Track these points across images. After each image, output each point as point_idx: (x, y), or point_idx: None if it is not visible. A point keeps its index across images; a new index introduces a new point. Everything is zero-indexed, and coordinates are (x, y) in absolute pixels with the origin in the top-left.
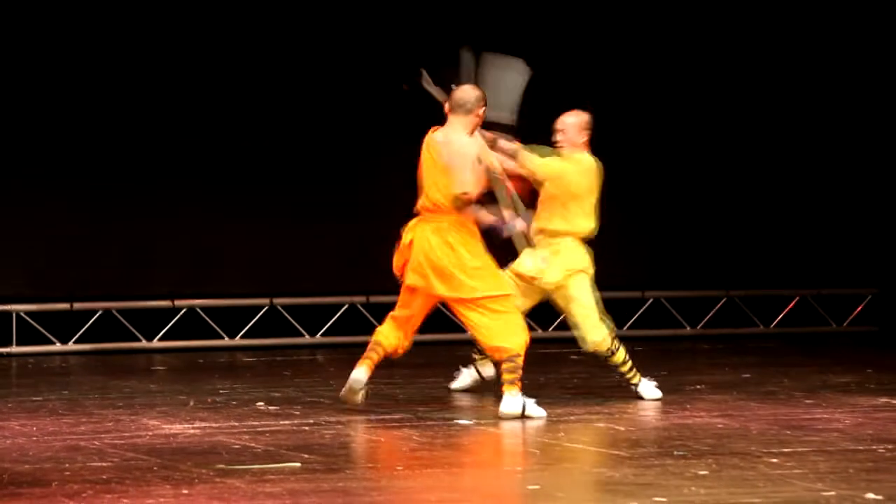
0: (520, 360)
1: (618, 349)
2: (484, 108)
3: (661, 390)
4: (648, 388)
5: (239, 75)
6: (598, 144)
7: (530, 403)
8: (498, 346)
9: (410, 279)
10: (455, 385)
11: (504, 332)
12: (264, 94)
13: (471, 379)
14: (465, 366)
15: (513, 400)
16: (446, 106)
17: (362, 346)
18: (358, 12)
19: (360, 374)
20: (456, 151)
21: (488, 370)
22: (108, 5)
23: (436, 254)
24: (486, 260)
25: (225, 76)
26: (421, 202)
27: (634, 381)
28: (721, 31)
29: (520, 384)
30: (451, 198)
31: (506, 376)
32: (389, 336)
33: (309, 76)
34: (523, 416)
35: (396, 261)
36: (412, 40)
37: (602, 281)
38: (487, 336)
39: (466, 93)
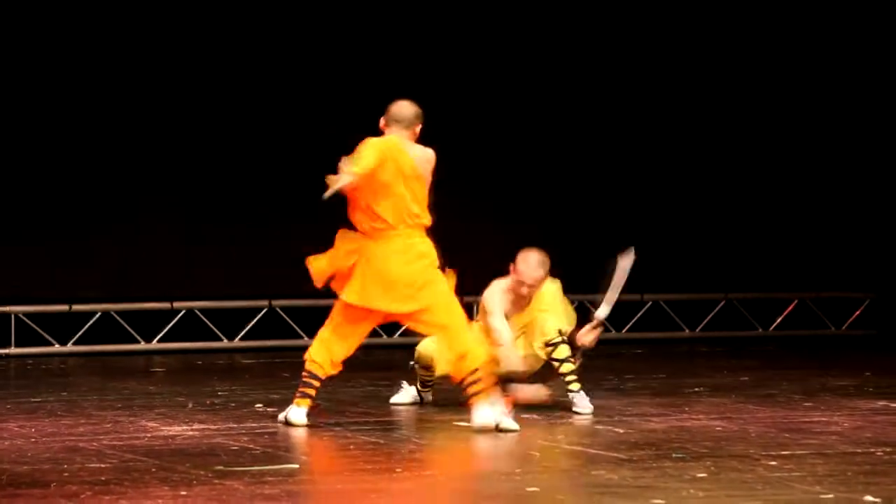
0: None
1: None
2: (420, 126)
3: (661, 393)
4: (583, 400)
5: (237, 76)
6: (597, 147)
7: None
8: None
9: (353, 297)
10: (394, 399)
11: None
12: (263, 95)
13: (410, 397)
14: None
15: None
16: (382, 122)
17: (359, 348)
18: (353, 17)
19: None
20: (431, 162)
21: (429, 396)
22: (111, 7)
23: (391, 271)
24: (438, 276)
25: (223, 76)
26: (384, 216)
27: (574, 387)
28: (719, 36)
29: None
30: (426, 211)
31: (473, 388)
32: (326, 362)
33: (306, 77)
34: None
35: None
36: (407, 44)
37: (601, 284)
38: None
39: (405, 108)
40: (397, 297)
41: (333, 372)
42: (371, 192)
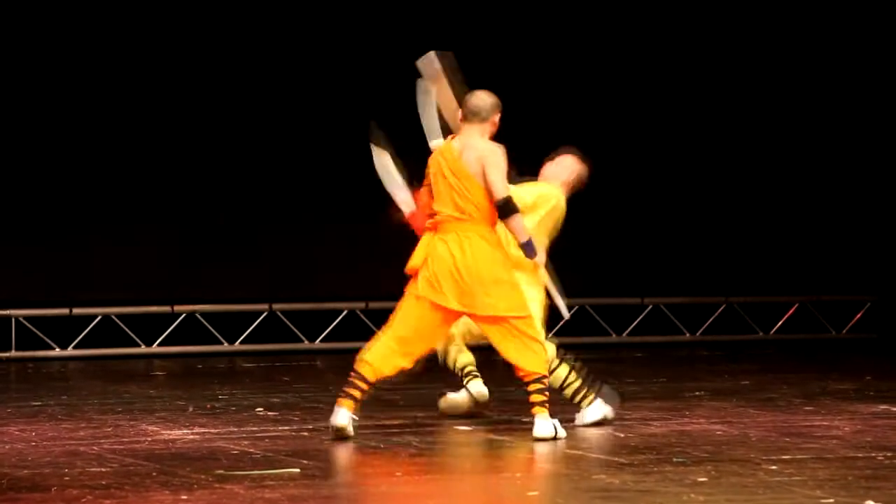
0: (546, 382)
1: (558, 366)
2: (499, 115)
3: (661, 397)
4: (595, 409)
5: (238, 78)
6: (597, 151)
7: (559, 426)
8: (522, 368)
9: (423, 290)
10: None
11: (526, 353)
12: (263, 99)
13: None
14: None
15: (545, 423)
16: (459, 114)
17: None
18: (351, 19)
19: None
20: (484, 157)
21: (481, 387)
22: (113, 7)
23: (456, 265)
24: (509, 276)
25: (225, 79)
26: (438, 213)
27: (582, 402)
28: (720, 38)
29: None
30: (486, 206)
31: (535, 397)
32: (379, 364)
33: (307, 81)
34: (555, 439)
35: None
36: (405, 45)
37: (601, 287)
38: (512, 357)
39: (481, 100)
40: (463, 294)
41: (384, 376)
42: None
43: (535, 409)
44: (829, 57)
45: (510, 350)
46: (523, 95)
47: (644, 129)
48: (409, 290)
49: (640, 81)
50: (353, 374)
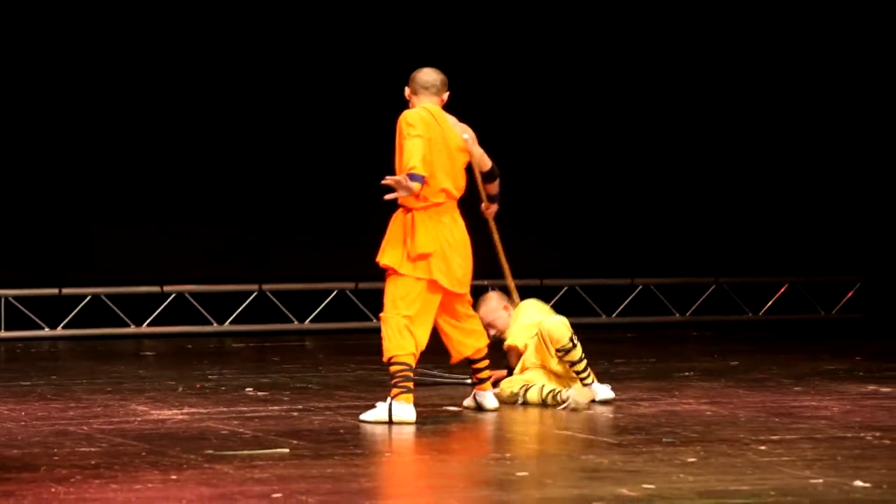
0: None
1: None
2: (448, 94)
3: (651, 377)
4: (602, 388)
5: (228, 64)
6: (586, 132)
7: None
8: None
9: (441, 277)
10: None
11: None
12: (253, 83)
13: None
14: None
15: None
16: (407, 91)
17: (351, 332)
18: (347, 20)
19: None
20: (466, 129)
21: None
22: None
23: (463, 246)
24: None
25: (214, 65)
26: (442, 190)
27: (588, 381)
28: (710, 24)
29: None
30: (462, 185)
31: (485, 373)
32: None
33: (295, 66)
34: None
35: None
36: (402, 44)
37: (591, 268)
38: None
39: (432, 74)
40: (465, 278)
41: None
42: (428, 164)
43: (486, 385)
44: (817, 44)
45: (467, 324)
46: (515, 80)
47: (634, 112)
48: (419, 272)
49: (632, 66)
50: (400, 369)
